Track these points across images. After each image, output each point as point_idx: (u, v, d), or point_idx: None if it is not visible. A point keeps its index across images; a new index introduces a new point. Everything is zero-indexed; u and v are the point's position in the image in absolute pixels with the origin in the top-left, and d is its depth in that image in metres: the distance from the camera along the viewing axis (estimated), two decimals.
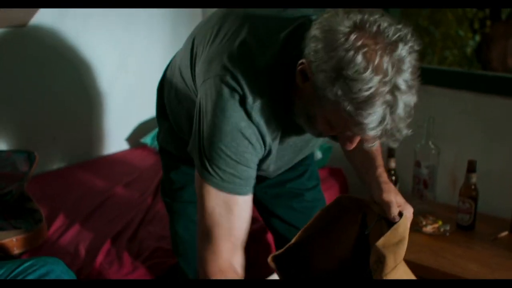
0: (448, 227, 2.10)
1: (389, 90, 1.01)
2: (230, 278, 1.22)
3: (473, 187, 2.08)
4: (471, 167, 2.08)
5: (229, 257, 1.23)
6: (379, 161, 1.39)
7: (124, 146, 2.88)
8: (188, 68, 1.34)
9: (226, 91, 1.16)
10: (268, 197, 1.64)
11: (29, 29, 2.38)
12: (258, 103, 1.16)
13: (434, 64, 4.54)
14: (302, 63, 1.10)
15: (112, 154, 2.79)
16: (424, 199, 2.25)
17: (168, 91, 1.48)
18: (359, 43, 1.00)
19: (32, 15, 2.36)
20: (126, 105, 2.84)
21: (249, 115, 1.16)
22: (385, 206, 1.23)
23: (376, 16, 1.04)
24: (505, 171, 2.23)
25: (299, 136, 1.31)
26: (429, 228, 2.10)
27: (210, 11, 1.44)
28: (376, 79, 1.00)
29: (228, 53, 1.19)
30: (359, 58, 1.00)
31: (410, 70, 1.03)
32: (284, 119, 1.22)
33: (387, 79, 1.00)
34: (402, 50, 1.02)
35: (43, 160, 2.23)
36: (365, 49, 1.00)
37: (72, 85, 2.61)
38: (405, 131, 1.06)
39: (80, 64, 2.62)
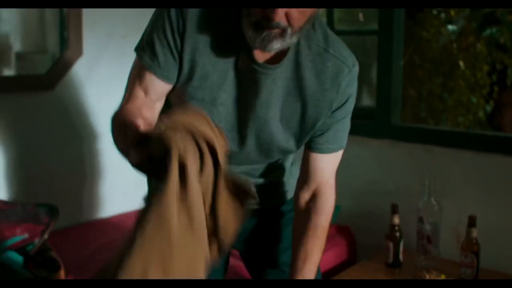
0: None
1: None
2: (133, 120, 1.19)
3: (474, 241, 2.15)
4: (472, 222, 2.15)
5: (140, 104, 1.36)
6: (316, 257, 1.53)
7: None
8: None
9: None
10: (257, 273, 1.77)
11: (56, 92, 2.56)
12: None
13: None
14: None
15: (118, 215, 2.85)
16: (428, 254, 2.31)
17: None
18: None
19: (60, 79, 2.54)
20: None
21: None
22: None
23: None
24: (506, 226, 2.29)
25: (256, 101, 1.36)
26: None
27: None
28: None
29: None
30: None
31: None
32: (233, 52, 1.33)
33: None
34: None
35: None
36: None
37: (86, 150, 2.72)
38: None
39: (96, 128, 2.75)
